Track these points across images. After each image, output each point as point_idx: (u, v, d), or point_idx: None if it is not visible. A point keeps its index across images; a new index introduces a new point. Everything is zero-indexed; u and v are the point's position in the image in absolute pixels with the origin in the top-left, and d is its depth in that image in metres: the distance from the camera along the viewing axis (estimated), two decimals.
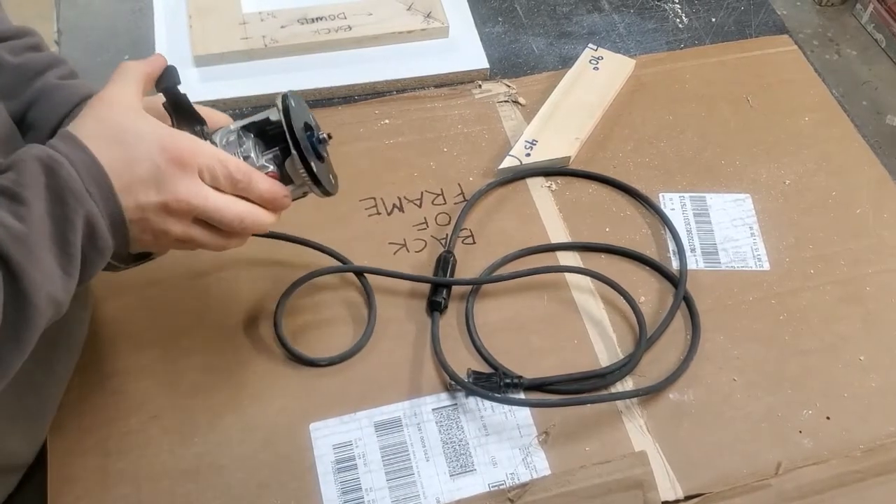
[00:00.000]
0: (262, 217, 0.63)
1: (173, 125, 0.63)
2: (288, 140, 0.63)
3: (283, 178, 0.65)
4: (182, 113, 0.64)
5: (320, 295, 0.82)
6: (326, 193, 0.67)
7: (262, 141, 0.66)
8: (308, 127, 0.65)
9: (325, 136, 0.66)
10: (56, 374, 0.72)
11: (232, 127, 0.65)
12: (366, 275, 0.82)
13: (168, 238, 0.60)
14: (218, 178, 0.60)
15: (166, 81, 0.64)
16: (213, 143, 0.64)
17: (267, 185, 0.63)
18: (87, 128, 0.57)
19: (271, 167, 0.65)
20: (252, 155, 0.64)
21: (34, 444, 0.71)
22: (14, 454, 0.69)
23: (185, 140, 0.59)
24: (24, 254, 0.51)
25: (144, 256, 0.66)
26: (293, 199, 0.66)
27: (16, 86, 0.66)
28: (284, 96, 0.64)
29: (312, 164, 0.64)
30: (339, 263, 0.83)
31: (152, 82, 0.63)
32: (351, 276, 0.83)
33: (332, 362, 0.77)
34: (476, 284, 0.82)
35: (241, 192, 0.62)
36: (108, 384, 0.74)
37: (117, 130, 0.57)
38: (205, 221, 0.61)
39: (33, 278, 0.51)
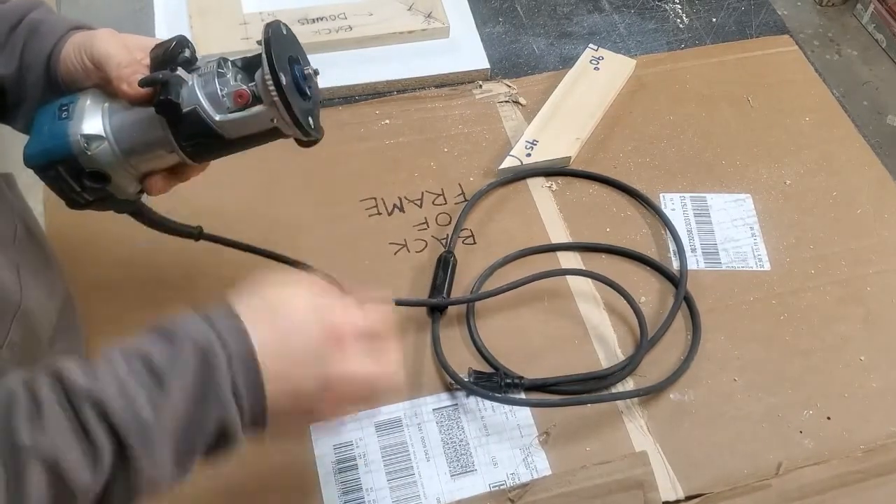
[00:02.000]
0: (395, 368, 0.57)
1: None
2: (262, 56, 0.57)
3: (253, 98, 0.59)
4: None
5: None
6: (298, 125, 0.59)
7: (248, 74, 0.61)
8: (296, 60, 0.60)
9: (311, 70, 0.61)
10: None
11: (214, 56, 0.61)
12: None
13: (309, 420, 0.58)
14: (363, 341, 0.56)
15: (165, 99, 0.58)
16: (196, 72, 0.59)
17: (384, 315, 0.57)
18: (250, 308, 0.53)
19: (243, 86, 0.59)
20: (229, 75, 0.60)
21: None
22: None
23: (338, 314, 0.55)
24: (143, 443, 0.48)
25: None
26: (257, 131, 0.60)
27: (4, 37, 0.63)
28: (271, 23, 0.59)
29: (282, 76, 0.57)
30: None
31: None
32: None
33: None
34: (471, 301, 0.80)
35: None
36: None
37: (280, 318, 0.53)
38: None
39: (142, 467, 0.48)
